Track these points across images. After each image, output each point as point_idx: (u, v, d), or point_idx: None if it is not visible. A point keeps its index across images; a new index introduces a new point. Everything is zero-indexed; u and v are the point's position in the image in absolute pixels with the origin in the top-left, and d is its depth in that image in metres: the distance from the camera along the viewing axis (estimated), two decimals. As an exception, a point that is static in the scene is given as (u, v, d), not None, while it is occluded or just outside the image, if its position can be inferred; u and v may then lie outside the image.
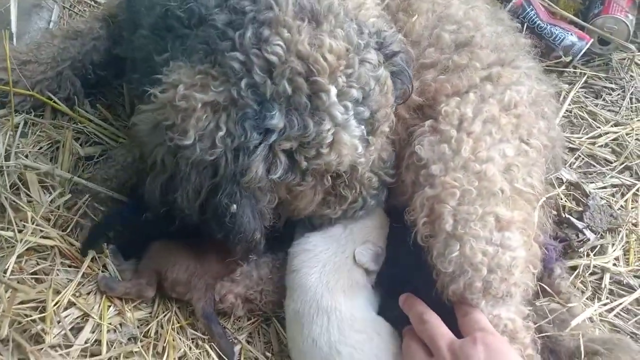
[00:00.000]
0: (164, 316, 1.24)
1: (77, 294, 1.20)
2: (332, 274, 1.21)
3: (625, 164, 1.74)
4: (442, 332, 1.08)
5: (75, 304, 1.18)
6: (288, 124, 0.98)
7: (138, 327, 1.21)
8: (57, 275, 1.21)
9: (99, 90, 1.59)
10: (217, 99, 0.98)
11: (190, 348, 1.20)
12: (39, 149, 1.40)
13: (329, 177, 1.13)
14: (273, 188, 1.08)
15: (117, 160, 1.40)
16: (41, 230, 1.24)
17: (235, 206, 1.03)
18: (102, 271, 1.25)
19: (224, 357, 1.21)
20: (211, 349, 1.22)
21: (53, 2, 1.72)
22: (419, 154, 1.21)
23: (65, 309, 1.17)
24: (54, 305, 1.15)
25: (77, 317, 1.18)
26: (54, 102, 1.47)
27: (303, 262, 1.23)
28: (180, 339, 1.21)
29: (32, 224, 1.23)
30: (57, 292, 1.18)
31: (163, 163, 1.05)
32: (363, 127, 1.07)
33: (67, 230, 1.29)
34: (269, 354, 1.26)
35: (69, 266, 1.24)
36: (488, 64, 1.32)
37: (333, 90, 0.99)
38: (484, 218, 1.12)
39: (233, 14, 1.02)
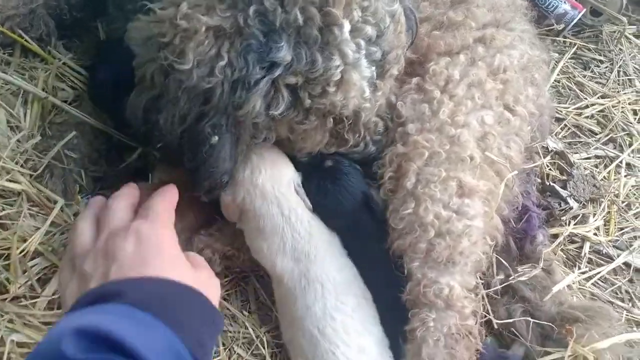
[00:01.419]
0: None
1: (45, 244, 1.14)
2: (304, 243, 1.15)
3: (609, 135, 1.73)
4: (117, 216, 0.90)
5: (42, 254, 1.13)
6: (295, 57, 0.92)
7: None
8: (24, 222, 1.15)
9: (73, 32, 1.49)
10: (222, 24, 0.91)
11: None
12: (7, 90, 1.32)
13: (332, 119, 1.07)
14: (272, 126, 1.03)
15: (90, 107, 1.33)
16: (7, 173, 1.17)
17: (216, 137, 0.97)
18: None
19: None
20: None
21: None
22: (400, 111, 1.19)
23: (32, 258, 1.12)
24: (20, 253, 1.10)
25: (45, 268, 1.13)
26: (25, 40, 1.37)
27: (270, 254, 1.17)
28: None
29: (-1, 165, 1.16)
30: (24, 240, 1.12)
31: (152, 80, 0.98)
32: (374, 68, 1.01)
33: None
34: (246, 313, 1.23)
35: (37, 213, 1.18)
36: (483, 24, 1.29)
37: (347, 26, 0.94)
38: (447, 182, 1.12)
39: None
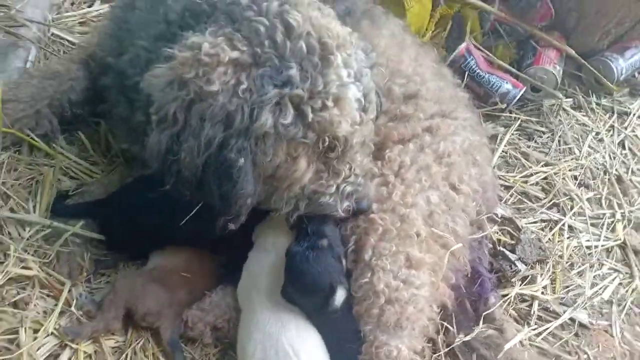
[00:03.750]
0: (137, 343, 1.33)
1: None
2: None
3: (553, 201, 1.93)
4: None
5: (53, 333, 1.27)
6: (301, 77, 1.11)
7: (112, 354, 1.30)
8: (36, 306, 1.29)
9: (74, 127, 1.66)
10: (242, 58, 1.10)
11: (162, 373, 1.30)
12: (19, 184, 1.48)
13: (326, 140, 1.19)
14: (276, 145, 1.15)
15: (93, 196, 1.50)
16: (21, 261, 1.32)
17: (242, 160, 1.11)
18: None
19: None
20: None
21: (30, 42, 1.79)
22: None
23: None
24: (33, 333, 1.25)
25: (55, 345, 1.27)
26: (32, 138, 1.54)
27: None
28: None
29: (14, 255, 1.30)
30: (35, 322, 1.27)
31: (175, 117, 1.12)
32: (361, 94, 1.20)
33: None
34: (236, 380, 1.36)
35: (47, 295, 1.32)
36: (431, 115, 1.52)
37: (339, 57, 1.15)
38: (396, 255, 1.31)
39: None
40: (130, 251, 1.48)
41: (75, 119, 1.64)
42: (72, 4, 2.07)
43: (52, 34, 1.91)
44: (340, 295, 1.26)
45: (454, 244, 1.38)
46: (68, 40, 1.91)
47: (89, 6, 2.07)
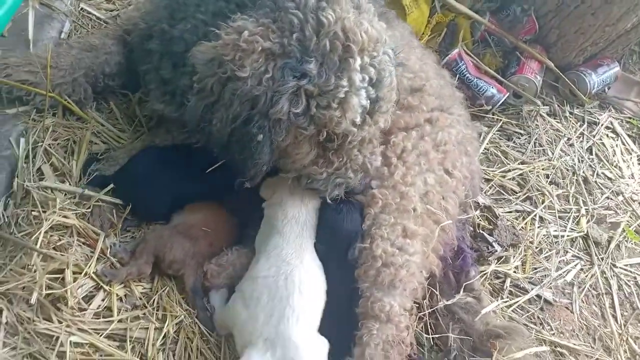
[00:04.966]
0: (163, 290, 1.49)
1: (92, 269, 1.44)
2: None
3: (527, 194, 2.16)
4: None
5: (90, 276, 1.42)
6: (318, 73, 1.25)
7: (140, 298, 1.46)
8: (76, 251, 1.44)
9: (102, 97, 1.81)
10: (273, 47, 1.24)
11: (185, 316, 1.46)
12: (57, 144, 1.63)
13: (325, 133, 1.35)
14: (288, 128, 1.31)
15: (118, 161, 1.65)
16: (61, 210, 1.47)
17: (261, 136, 1.28)
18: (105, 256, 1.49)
19: (204, 325, 1.48)
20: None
21: (63, 15, 1.92)
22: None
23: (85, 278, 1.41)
24: (72, 274, 1.39)
25: (91, 287, 1.42)
26: (69, 103, 1.68)
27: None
28: (177, 309, 1.47)
29: (57, 207, 1.45)
30: (75, 265, 1.41)
31: (212, 89, 1.29)
32: (369, 102, 1.32)
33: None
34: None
35: (83, 243, 1.48)
36: (432, 108, 1.72)
37: (359, 61, 1.27)
38: (394, 226, 1.50)
39: None
40: (151, 213, 1.63)
41: (105, 89, 1.78)
42: (100, -20, 2.17)
43: (82, 9, 2.03)
44: (356, 248, 1.47)
45: (445, 221, 1.57)
46: (95, 16, 2.04)
47: (116, -16, 2.18)
